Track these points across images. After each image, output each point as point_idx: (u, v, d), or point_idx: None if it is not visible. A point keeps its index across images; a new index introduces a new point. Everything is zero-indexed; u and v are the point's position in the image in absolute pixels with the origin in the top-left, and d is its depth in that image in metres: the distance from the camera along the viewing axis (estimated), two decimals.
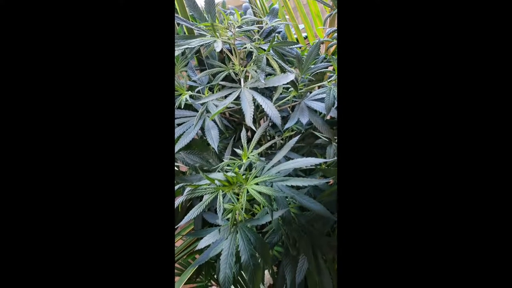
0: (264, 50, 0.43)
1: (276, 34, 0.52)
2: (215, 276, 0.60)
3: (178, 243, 0.57)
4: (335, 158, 0.46)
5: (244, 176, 0.35)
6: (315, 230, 0.44)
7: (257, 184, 0.35)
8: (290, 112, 0.48)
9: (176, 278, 0.53)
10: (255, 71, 0.39)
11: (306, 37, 0.67)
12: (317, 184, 0.47)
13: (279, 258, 0.46)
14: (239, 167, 0.37)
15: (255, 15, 0.54)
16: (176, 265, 0.64)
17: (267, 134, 0.50)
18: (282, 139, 0.51)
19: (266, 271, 0.61)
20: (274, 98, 0.43)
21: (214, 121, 0.43)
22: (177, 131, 0.44)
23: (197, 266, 0.52)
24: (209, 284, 0.62)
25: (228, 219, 0.38)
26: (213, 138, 0.41)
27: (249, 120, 0.36)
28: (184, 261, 0.63)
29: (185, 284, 0.53)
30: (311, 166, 0.45)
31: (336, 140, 0.47)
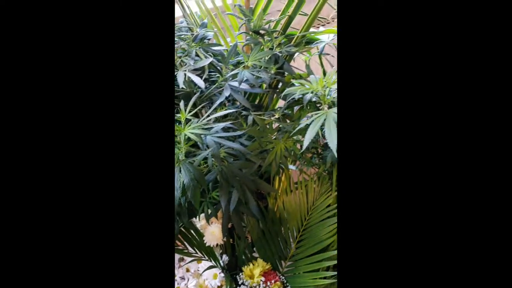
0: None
1: (207, 41, 0.70)
2: None
3: None
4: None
5: (182, 127, 0.51)
6: (243, 173, 0.59)
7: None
8: None
9: None
10: (187, 59, 0.55)
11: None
12: (243, 143, 0.63)
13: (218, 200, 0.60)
14: (179, 123, 0.52)
15: (189, 29, 0.72)
16: None
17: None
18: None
19: (218, 229, 0.74)
20: (203, 77, 0.60)
21: None
22: None
23: None
24: None
25: None
26: None
27: (181, 81, 0.52)
28: None
29: None
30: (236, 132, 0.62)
31: (252, 111, 0.64)
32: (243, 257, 0.76)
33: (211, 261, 0.77)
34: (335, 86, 0.57)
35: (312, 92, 0.57)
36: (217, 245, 0.77)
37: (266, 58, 0.65)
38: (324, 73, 0.62)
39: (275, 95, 0.73)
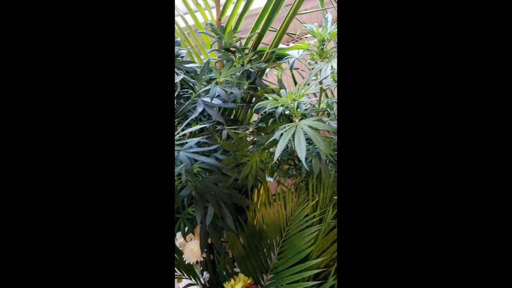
0: None
1: (180, 58, 0.72)
2: None
3: None
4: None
5: None
6: (218, 187, 0.60)
7: None
8: None
9: None
10: None
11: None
12: (218, 157, 0.63)
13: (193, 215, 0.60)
14: None
15: None
16: None
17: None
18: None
19: (197, 246, 0.73)
20: (176, 94, 0.60)
21: None
22: None
23: None
24: None
25: None
26: None
27: None
28: None
29: None
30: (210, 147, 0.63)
31: (226, 125, 0.65)
32: (224, 273, 0.75)
33: (191, 279, 0.75)
34: (304, 99, 0.59)
35: (282, 106, 0.59)
36: (197, 262, 0.76)
37: (238, 74, 0.67)
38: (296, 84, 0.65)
39: (249, 109, 0.74)
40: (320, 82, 0.62)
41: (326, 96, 1.08)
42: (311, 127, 0.56)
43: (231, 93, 0.63)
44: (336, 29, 0.62)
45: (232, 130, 0.64)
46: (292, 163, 0.82)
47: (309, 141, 0.66)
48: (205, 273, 0.79)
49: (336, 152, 0.69)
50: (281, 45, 0.76)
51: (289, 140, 0.54)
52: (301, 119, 0.70)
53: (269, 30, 0.73)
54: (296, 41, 1.06)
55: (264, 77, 0.82)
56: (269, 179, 0.85)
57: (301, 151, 0.50)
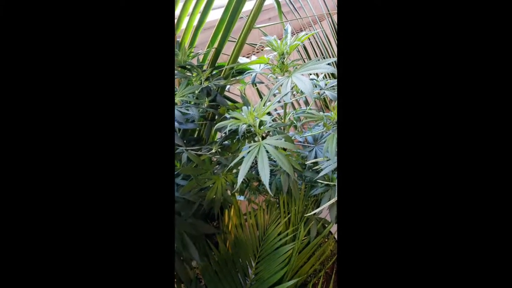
0: None
1: None
2: None
3: None
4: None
5: None
6: (181, 217, 0.55)
7: None
8: None
9: None
10: None
11: None
12: (179, 183, 0.59)
13: None
14: None
15: None
16: None
17: None
18: None
19: None
20: None
21: None
22: None
23: None
24: None
25: None
26: None
27: None
28: None
29: None
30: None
31: (187, 147, 0.61)
32: None
33: None
34: (266, 117, 0.56)
35: (245, 124, 0.56)
36: None
37: (197, 91, 0.63)
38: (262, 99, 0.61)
39: (212, 127, 0.70)
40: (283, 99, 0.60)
41: (293, 107, 1.07)
42: (275, 147, 0.53)
43: (188, 114, 0.59)
44: (295, 42, 0.60)
45: (192, 153, 0.60)
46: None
47: None
48: None
49: (303, 167, 0.67)
50: (242, 57, 0.73)
51: (255, 157, 0.51)
52: (266, 135, 0.67)
53: (229, 40, 0.70)
54: (258, 52, 1.03)
55: (228, 90, 0.78)
56: (239, 197, 0.82)
57: (265, 176, 0.47)
